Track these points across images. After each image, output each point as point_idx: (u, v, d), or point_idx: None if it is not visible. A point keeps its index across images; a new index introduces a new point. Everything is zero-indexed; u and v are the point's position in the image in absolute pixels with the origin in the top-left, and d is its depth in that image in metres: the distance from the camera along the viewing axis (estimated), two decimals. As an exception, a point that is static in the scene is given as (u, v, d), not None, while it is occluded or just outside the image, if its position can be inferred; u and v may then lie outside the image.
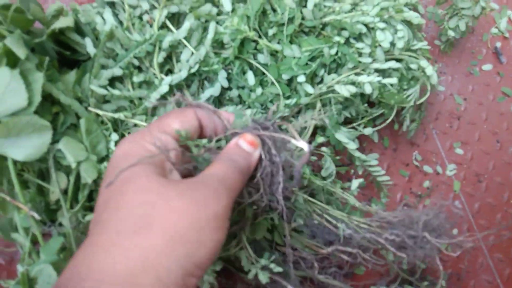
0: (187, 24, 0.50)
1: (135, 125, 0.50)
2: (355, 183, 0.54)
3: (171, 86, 0.48)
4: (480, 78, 0.63)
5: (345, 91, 0.50)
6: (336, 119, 0.53)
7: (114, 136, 0.48)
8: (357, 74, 0.52)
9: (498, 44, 0.64)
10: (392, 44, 0.51)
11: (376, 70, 0.52)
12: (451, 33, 0.60)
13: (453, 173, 0.60)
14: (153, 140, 0.34)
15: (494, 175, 0.60)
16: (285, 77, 0.51)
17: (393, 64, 0.52)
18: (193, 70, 0.50)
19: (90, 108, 0.48)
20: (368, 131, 0.55)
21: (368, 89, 0.50)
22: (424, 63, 0.51)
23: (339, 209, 0.52)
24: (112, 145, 0.48)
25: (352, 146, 0.53)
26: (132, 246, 0.27)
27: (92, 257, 0.27)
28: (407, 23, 0.53)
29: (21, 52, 0.40)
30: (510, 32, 0.65)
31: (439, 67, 0.63)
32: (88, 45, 0.49)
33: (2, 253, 0.54)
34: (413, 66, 0.53)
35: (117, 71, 0.49)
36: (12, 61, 0.42)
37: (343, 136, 0.53)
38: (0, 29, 0.45)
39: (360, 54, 0.51)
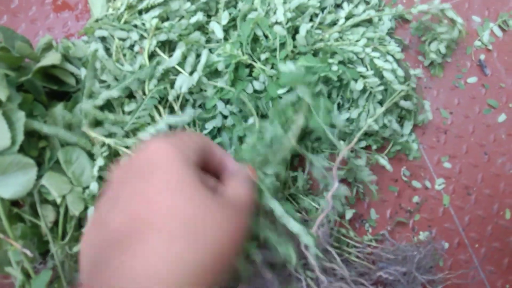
0: (178, 52, 0.49)
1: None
2: (349, 213, 0.53)
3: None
4: (465, 91, 0.61)
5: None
6: None
7: (100, 161, 0.47)
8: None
9: (482, 57, 0.62)
10: (393, 70, 0.50)
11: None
12: (433, 56, 0.59)
13: (442, 187, 0.58)
14: (190, 150, 0.32)
15: (483, 187, 0.58)
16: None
17: (406, 104, 0.53)
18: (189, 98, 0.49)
19: (83, 129, 0.47)
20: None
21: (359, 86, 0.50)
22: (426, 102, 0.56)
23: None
24: (95, 169, 0.47)
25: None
26: (185, 256, 0.26)
27: (133, 257, 0.25)
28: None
29: (2, 94, 0.39)
30: (493, 44, 0.63)
31: (424, 82, 0.61)
32: (83, 74, 0.49)
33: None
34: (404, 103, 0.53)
35: (114, 93, 0.47)
36: (-4, 102, 0.41)
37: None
38: (-13, 68, 0.44)
39: (364, 77, 0.50)
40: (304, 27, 0.50)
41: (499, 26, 0.63)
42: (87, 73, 0.49)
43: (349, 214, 0.54)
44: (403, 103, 0.52)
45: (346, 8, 0.56)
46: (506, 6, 0.64)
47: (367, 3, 0.58)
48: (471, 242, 0.57)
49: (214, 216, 0.28)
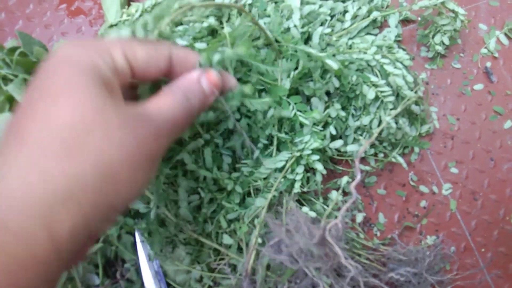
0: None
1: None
2: (360, 217, 0.54)
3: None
4: (472, 98, 0.61)
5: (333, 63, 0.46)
6: None
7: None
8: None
9: (488, 64, 0.62)
10: (404, 76, 0.50)
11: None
12: (438, 48, 0.60)
13: (449, 192, 0.58)
14: (104, 53, 0.26)
15: (489, 192, 0.58)
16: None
17: (416, 108, 0.52)
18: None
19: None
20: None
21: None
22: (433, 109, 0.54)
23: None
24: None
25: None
26: (55, 171, 0.22)
27: (4, 176, 0.22)
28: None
29: (21, 98, 0.39)
30: (500, 51, 0.63)
31: (431, 89, 0.61)
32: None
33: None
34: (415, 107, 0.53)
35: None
36: (15, 106, 0.41)
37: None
38: (6, 73, 0.44)
39: (376, 86, 0.50)
40: (317, 33, 0.50)
41: (505, 34, 0.63)
42: None
43: (359, 217, 0.54)
44: (414, 107, 0.52)
45: (351, 10, 0.55)
46: (512, 14, 0.64)
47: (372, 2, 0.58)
48: (478, 246, 0.57)
49: (108, 128, 0.24)
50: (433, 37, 0.60)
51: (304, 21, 0.51)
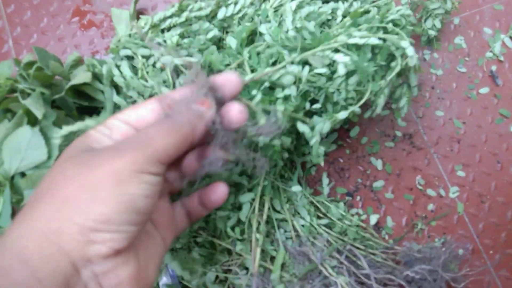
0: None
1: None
2: (374, 219, 0.55)
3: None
4: (478, 102, 0.62)
5: (318, 62, 0.44)
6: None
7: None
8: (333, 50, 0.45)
9: (494, 68, 0.63)
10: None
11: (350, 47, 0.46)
12: (431, 32, 0.61)
13: (456, 195, 0.58)
14: (98, 128, 0.31)
15: (496, 195, 0.59)
16: None
17: (373, 40, 0.44)
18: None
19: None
20: (342, 115, 0.46)
21: (341, 71, 0.44)
22: (405, 43, 0.44)
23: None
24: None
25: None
26: (27, 217, 0.26)
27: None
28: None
29: (38, 112, 0.41)
30: (505, 55, 0.63)
31: (437, 93, 0.62)
32: (113, 95, 0.51)
33: None
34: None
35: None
36: (33, 119, 0.43)
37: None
38: (24, 87, 0.46)
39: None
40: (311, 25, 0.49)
41: (510, 38, 0.64)
42: (105, 94, 0.51)
43: (373, 219, 0.56)
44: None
45: (342, 7, 0.54)
46: (517, 18, 0.65)
47: None
48: (486, 248, 0.57)
49: (63, 172, 0.27)
50: (425, 21, 0.62)
51: (304, 22, 0.52)
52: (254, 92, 0.44)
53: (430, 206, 0.58)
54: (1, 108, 0.46)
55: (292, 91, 0.44)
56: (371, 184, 0.58)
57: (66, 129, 0.37)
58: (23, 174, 0.44)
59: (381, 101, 0.46)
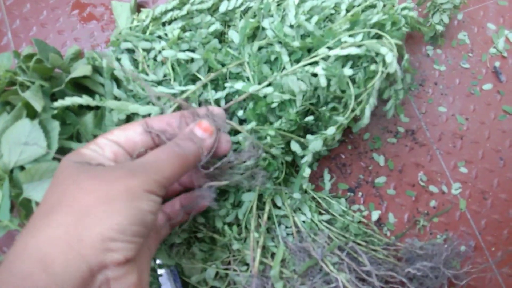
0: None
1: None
2: (375, 215, 0.54)
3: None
4: (481, 98, 0.61)
5: (295, 86, 0.43)
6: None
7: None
8: (313, 64, 0.45)
9: (497, 64, 0.62)
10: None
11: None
12: (439, 27, 0.61)
13: (459, 191, 0.58)
14: (90, 146, 0.34)
15: (499, 192, 0.58)
16: None
17: (354, 50, 0.43)
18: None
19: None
20: (330, 131, 0.46)
21: (322, 82, 0.43)
22: (384, 49, 0.43)
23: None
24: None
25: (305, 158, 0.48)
26: (44, 226, 0.27)
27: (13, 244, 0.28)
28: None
29: (38, 105, 0.40)
30: (508, 51, 0.63)
31: (440, 89, 0.61)
32: (114, 88, 0.50)
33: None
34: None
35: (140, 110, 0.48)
36: (32, 112, 0.42)
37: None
38: (23, 79, 0.45)
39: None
40: (314, 19, 0.49)
41: (514, 34, 0.63)
42: (105, 88, 0.50)
43: (375, 215, 0.55)
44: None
45: (346, 1, 0.54)
46: (521, 13, 0.64)
47: None
48: (488, 245, 0.57)
49: (78, 185, 0.29)
50: (432, 16, 0.61)
51: (307, 16, 0.51)
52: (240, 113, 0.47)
53: (432, 203, 0.58)
54: (0, 100, 0.46)
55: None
56: (373, 180, 0.58)
57: (61, 102, 0.37)
58: (22, 168, 0.43)
59: (367, 112, 0.46)
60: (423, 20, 0.62)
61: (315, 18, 0.50)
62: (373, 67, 0.44)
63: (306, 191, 0.54)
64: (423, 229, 0.57)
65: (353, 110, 0.46)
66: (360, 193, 0.58)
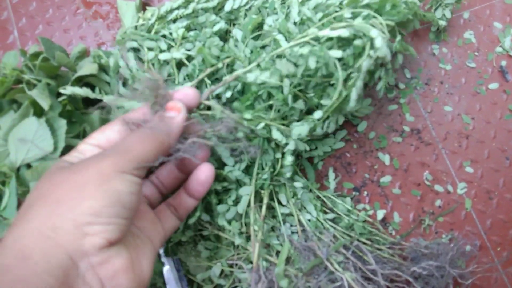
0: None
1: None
2: (380, 214, 0.54)
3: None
4: (487, 97, 0.61)
5: (284, 68, 0.43)
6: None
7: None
8: (301, 45, 0.44)
9: (503, 63, 0.62)
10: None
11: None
12: (441, 23, 0.61)
13: (464, 191, 0.58)
14: (72, 154, 0.35)
15: (504, 191, 0.58)
16: None
17: (344, 32, 0.42)
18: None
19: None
20: (317, 114, 0.46)
21: (311, 63, 0.42)
22: (374, 32, 0.41)
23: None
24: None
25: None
26: (23, 220, 0.28)
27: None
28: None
29: (44, 103, 0.40)
30: (515, 50, 0.63)
31: (446, 88, 0.61)
32: (119, 87, 0.50)
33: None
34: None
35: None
36: (39, 110, 0.42)
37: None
38: (30, 77, 0.46)
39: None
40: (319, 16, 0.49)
41: (521, 33, 0.63)
42: (111, 86, 0.50)
43: (380, 214, 0.55)
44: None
45: None
46: (528, 12, 0.64)
47: None
48: (493, 245, 0.57)
49: (50, 179, 0.31)
50: (434, 11, 0.61)
51: (312, 13, 0.51)
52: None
53: (438, 202, 0.57)
54: (7, 99, 0.46)
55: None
56: (378, 179, 0.58)
57: (70, 89, 0.38)
58: (29, 166, 0.43)
59: (353, 94, 0.44)
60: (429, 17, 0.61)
61: (319, 15, 0.50)
62: (358, 42, 0.42)
63: (311, 190, 0.54)
64: (428, 228, 0.57)
65: (340, 93, 0.45)
66: (365, 192, 0.58)
